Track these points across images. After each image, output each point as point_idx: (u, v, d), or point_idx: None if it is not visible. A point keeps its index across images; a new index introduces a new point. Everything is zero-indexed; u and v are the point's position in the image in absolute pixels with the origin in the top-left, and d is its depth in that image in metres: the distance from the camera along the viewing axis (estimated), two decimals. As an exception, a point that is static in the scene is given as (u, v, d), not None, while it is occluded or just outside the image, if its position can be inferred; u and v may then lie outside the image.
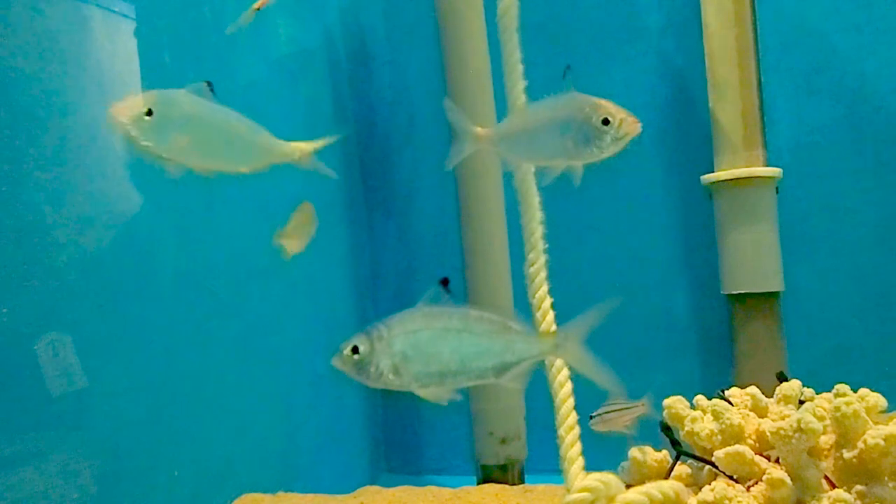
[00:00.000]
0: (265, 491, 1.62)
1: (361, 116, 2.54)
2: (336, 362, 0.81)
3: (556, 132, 0.95)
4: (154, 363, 1.39)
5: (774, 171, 1.97)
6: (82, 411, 1.22)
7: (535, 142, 0.98)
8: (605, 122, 0.92)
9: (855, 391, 1.06)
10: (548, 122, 0.96)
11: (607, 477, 0.94)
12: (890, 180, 2.07)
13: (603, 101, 0.93)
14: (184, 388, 1.47)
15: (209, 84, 0.94)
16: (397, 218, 2.53)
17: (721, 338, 2.09)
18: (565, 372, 1.06)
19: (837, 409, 0.96)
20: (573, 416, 1.04)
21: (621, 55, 2.27)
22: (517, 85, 1.11)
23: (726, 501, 0.96)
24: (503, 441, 2.06)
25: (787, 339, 1.98)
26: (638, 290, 2.23)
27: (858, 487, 0.94)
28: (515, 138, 1.01)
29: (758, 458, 1.00)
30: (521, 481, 2.06)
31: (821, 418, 0.95)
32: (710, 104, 2.03)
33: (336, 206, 2.36)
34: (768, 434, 0.98)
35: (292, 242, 1.52)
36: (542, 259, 1.11)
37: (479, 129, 1.01)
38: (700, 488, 1.01)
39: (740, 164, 1.99)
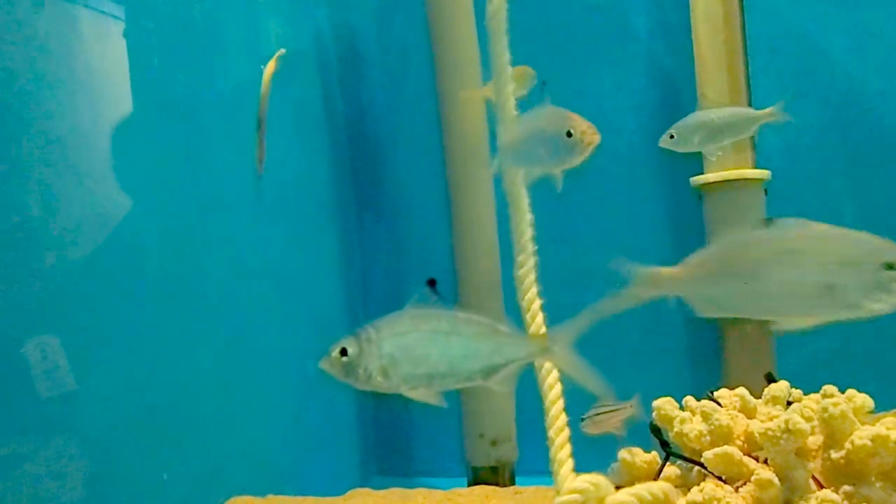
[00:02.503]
0: (255, 494, 1.62)
1: (352, 118, 2.54)
2: (324, 365, 0.81)
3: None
4: (143, 366, 1.39)
5: (763, 173, 1.98)
6: (71, 414, 1.21)
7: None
8: (569, 134, 0.95)
9: (842, 392, 1.06)
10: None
11: (597, 478, 0.94)
12: (878, 182, 2.09)
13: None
14: (173, 391, 1.47)
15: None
16: (388, 220, 2.52)
17: (710, 339, 2.09)
18: (555, 374, 1.06)
19: (825, 409, 0.96)
20: (563, 418, 1.04)
21: (610, 58, 2.28)
22: (506, 87, 1.11)
23: (715, 502, 0.96)
24: (494, 443, 2.06)
25: (775, 340, 1.98)
26: (628, 291, 2.23)
27: (846, 488, 0.95)
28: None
29: (746, 458, 1.01)
30: (512, 483, 2.06)
31: (808, 419, 0.95)
32: (699, 107, 2.04)
33: (326, 208, 2.36)
34: (757, 435, 0.98)
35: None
36: (532, 261, 1.11)
37: None
38: (689, 489, 1.01)
39: (729, 166, 2.00)
